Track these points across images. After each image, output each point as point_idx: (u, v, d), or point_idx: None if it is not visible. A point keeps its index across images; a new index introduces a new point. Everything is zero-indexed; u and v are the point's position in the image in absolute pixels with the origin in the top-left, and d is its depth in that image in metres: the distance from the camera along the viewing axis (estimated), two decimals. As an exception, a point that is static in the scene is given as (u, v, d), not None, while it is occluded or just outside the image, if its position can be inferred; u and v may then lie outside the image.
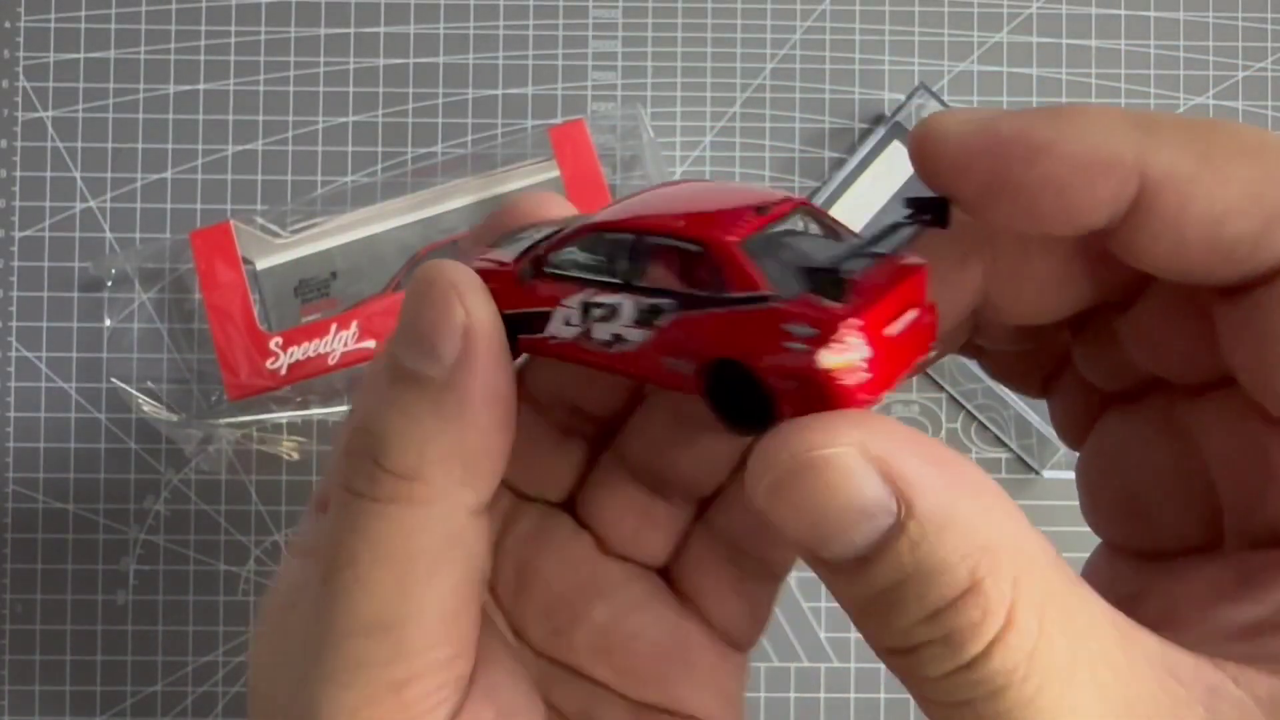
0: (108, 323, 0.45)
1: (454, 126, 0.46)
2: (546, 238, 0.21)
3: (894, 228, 0.19)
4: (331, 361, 0.42)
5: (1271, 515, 0.19)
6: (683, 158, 0.46)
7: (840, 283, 0.17)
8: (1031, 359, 0.24)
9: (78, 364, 0.45)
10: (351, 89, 0.46)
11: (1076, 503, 0.24)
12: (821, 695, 0.44)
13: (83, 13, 0.46)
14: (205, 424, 0.43)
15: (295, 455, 0.45)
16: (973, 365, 0.31)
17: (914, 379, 0.45)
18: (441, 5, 0.46)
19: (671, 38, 0.46)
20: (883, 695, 0.44)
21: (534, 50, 0.46)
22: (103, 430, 0.45)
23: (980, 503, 0.16)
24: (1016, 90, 0.46)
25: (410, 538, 0.20)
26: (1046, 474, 0.45)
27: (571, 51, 0.46)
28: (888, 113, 0.45)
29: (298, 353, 0.42)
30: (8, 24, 0.46)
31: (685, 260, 0.19)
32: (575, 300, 0.20)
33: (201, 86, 0.46)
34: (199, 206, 0.45)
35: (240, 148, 0.45)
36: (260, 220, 0.44)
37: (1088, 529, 0.24)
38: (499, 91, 0.46)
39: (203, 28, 0.46)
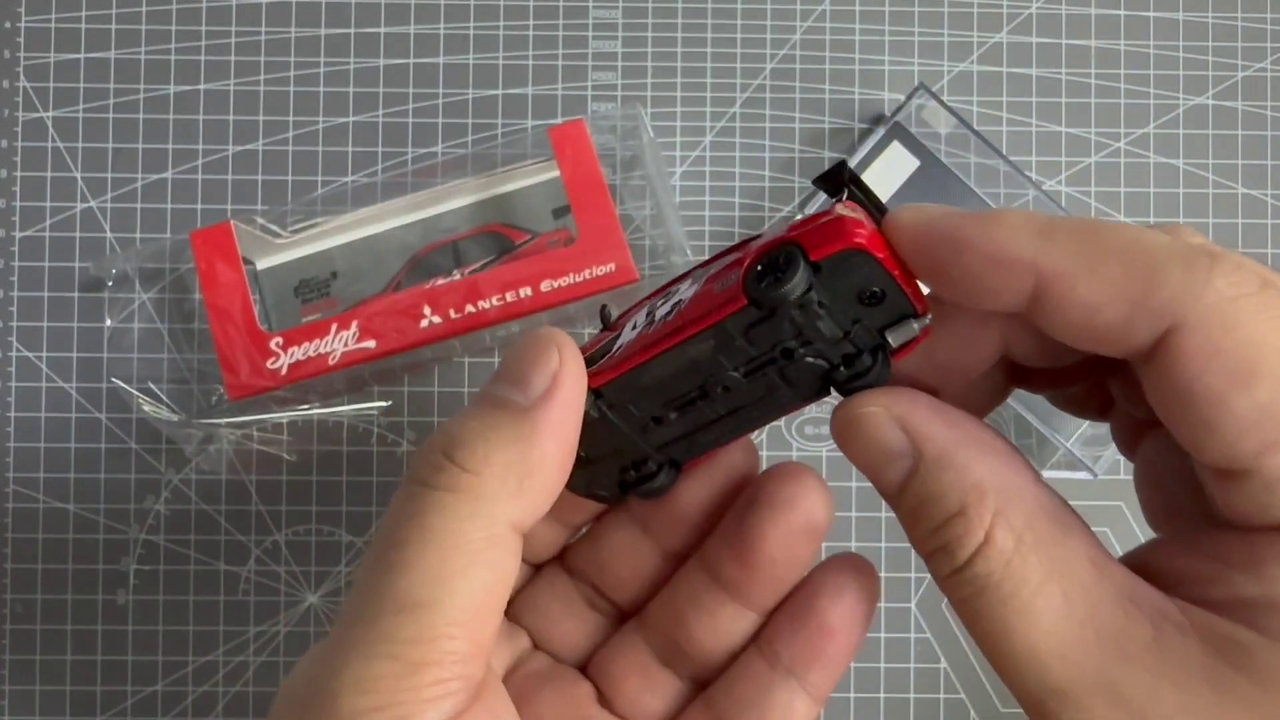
0: (108, 323, 0.45)
1: (454, 127, 0.46)
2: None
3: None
4: (332, 361, 0.42)
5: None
6: (683, 158, 0.46)
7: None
8: (1086, 392, 0.27)
9: (78, 364, 0.45)
10: (352, 89, 0.46)
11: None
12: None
13: (83, 13, 0.46)
14: (205, 424, 0.43)
15: (295, 455, 0.45)
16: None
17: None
18: (441, 5, 0.46)
19: (671, 38, 0.46)
20: (883, 695, 0.44)
21: (534, 50, 0.46)
22: (103, 430, 0.45)
23: (978, 453, 0.22)
24: (1016, 90, 0.46)
25: (458, 526, 0.22)
26: (1046, 474, 0.45)
27: (571, 51, 0.46)
28: (887, 113, 0.45)
29: (298, 353, 0.42)
30: (8, 24, 0.46)
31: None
32: (642, 311, 0.26)
33: (202, 87, 0.46)
34: (199, 206, 0.45)
35: (240, 148, 0.46)
36: (260, 220, 0.44)
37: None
38: (499, 91, 0.46)
39: (203, 28, 0.46)
